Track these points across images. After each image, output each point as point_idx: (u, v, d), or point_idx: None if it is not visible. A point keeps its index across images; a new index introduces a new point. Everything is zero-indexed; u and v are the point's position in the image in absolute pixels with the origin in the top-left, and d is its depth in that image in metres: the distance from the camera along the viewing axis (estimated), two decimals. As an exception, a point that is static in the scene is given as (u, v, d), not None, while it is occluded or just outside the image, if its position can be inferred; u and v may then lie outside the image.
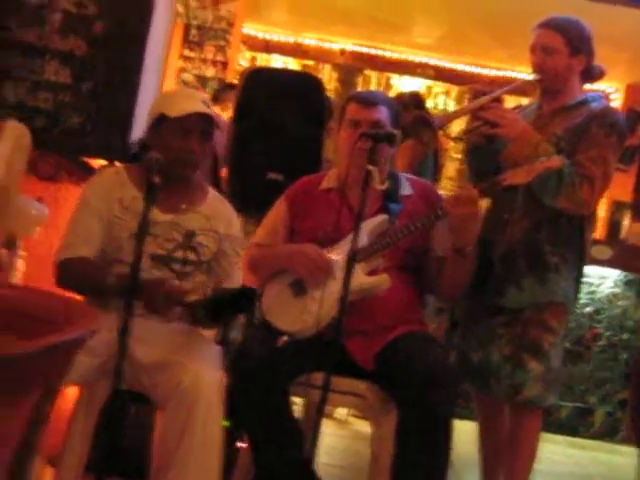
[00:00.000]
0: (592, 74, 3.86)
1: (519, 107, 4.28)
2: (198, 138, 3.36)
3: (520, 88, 3.92)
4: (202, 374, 3.12)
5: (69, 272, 3.33)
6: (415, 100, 5.87)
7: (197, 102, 3.38)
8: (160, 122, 3.35)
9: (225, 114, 5.55)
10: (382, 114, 3.54)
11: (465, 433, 3.88)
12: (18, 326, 1.67)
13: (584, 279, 3.93)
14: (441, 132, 3.90)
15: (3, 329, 1.70)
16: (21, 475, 1.60)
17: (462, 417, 4.08)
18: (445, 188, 9.44)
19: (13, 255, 3.85)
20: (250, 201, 4.20)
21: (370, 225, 3.42)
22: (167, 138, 3.32)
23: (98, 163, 4.53)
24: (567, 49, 3.74)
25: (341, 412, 5.81)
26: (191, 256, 3.42)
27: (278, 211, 3.74)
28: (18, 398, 1.44)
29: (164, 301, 3.16)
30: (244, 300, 3.21)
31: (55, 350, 1.42)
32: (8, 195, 3.49)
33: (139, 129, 3.84)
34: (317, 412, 3.11)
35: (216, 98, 5.77)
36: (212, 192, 3.58)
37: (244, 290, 3.28)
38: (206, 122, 3.38)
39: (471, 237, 3.41)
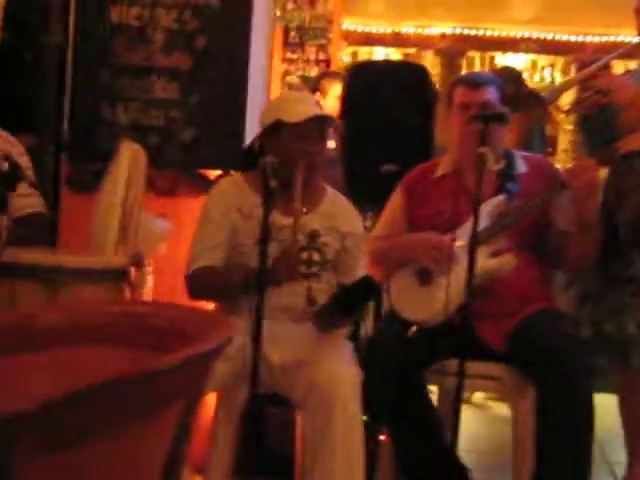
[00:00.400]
0: None
1: (628, 72, 4.20)
2: (317, 140, 3.40)
3: (627, 52, 3.84)
4: (338, 371, 3.14)
5: (200, 283, 3.41)
6: (513, 75, 5.78)
7: (312, 105, 3.46)
8: (277, 128, 3.39)
9: (325, 101, 5.54)
10: (490, 94, 3.52)
11: (606, 406, 3.83)
12: (153, 342, 1.71)
13: None
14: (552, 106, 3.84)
15: (139, 346, 1.74)
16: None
17: (602, 390, 4.02)
18: (561, 161, 9.29)
19: (142, 273, 3.93)
20: (366, 196, 4.20)
21: (489, 207, 3.39)
22: (286, 143, 3.36)
23: (214, 174, 4.59)
24: None
25: (478, 396, 5.79)
26: (316, 257, 3.44)
27: (395, 202, 3.74)
28: (161, 413, 1.47)
29: (287, 268, 3.20)
30: (368, 289, 3.23)
31: (193, 362, 1.45)
32: (132, 215, 3.57)
33: (250, 137, 3.87)
34: (455, 398, 3.11)
35: (315, 88, 5.77)
36: (330, 191, 3.61)
37: (365, 279, 3.30)
38: (323, 123, 3.43)
39: (594, 207, 3.36)
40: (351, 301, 3.22)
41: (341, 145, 4.46)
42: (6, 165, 3.11)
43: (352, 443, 3.16)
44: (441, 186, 3.61)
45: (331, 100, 5.51)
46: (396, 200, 3.73)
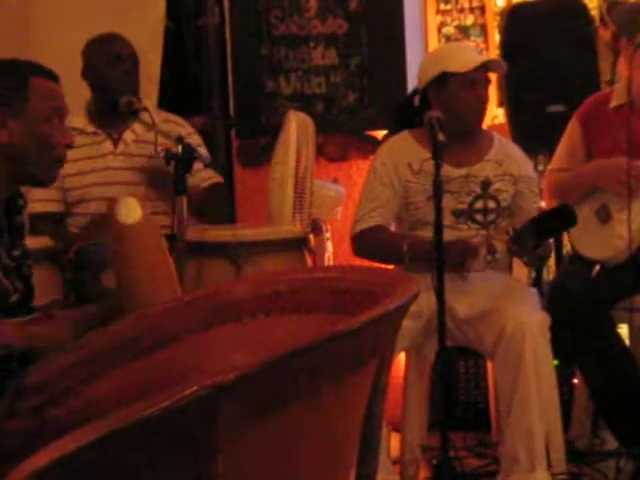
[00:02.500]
0: None
1: None
2: (484, 87, 3.40)
3: None
4: (524, 318, 3.13)
5: (365, 243, 3.44)
6: None
7: (475, 53, 3.46)
8: (442, 80, 3.37)
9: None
10: None
11: None
12: (343, 304, 1.74)
13: None
14: None
15: (330, 310, 1.77)
16: (371, 442, 1.66)
17: None
18: None
19: (321, 239, 3.98)
20: (535, 138, 4.15)
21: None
22: (455, 93, 3.35)
23: (381, 134, 4.60)
24: None
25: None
26: (491, 204, 3.42)
27: (573, 134, 3.65)
28: (355, 374, 1.50)
29: (460, 258, 3.21)
30: (564, 216, 3.17)
31: (382, 320, 1.47)
32: (305, 183, 3.62)
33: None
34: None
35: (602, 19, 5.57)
36: (497, 137, 3.59)
37: (562, 207, 3.23)
38: (487, 69, 3.41)
39: None
40: (546, 224, 3.14)
41: (504, 89, 4.40)
42: (180, 148, 3.20)
43: (545, 389, 3.15)
44: (617, 117, 3.50)
45: None
46: (573, 132, 3.64)
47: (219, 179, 3.81)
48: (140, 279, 2.34)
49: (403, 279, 1.64)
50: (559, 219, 3.17)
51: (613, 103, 3.57)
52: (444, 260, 2.99)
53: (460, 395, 4.09)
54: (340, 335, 1.39)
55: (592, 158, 3.53)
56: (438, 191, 2.99)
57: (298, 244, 3.53)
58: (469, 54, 3.43)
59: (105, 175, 3.64)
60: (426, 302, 3.04)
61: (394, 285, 1.60)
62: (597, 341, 3.25)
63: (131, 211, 2.33)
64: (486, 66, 3.39)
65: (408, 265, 3.28)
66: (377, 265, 3.34)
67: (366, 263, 3.49)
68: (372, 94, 4.74)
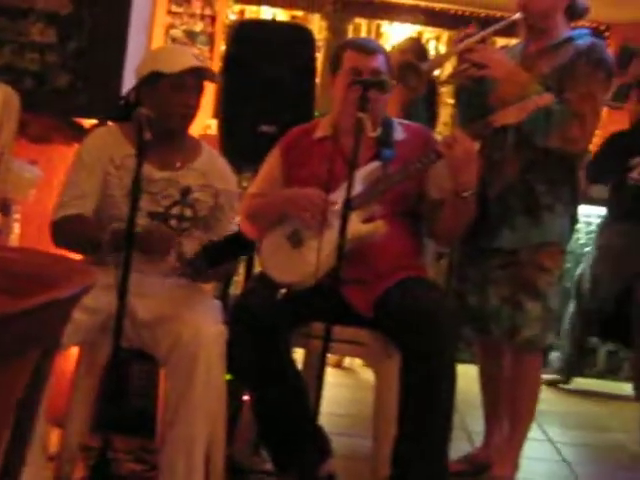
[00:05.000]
0: (576, 11, 3.82)
1: (505, 48, 4.25)
2: (194, 92, 3.38)
3: (507, 28, 3.86)
4: (203, 327, 3.13)
5: (65, 230, 3.35)
6: (417, 48, 5.74)
7: (191, 57, 3.43)
8: (154, 79, 3.34)
9: None
10: (380, 62, 3.52)
11: (468, 377, 3.90)
12: (14, 287, 1.67)
13: (583, 219, 3.92)
14: (432, 77, 3.85)
15: (3, 290, 1.69)
16: (25, 437, 1.60)
17: (465, 361, 4.09)
18: (441, 134, 9.39)
19: (9, 219, 3.85)
20: (243, 155, 4.18)
21: (364, 172, 3.40)
22: (164, 94, 3.32)
23: (89, 122, 4.51)
24: None
25: (350, 361, 5.83)
26: (188, 212, 3.41)
27: (273, 161, 3.71)
28: (15, 359, 1.44)
29: (160, 244, 3.21)
30: (238, 245, 3.24)
31: (49, 308, 1.41)
32: (1, 159, 3.48)
33: (128, 87, 3.81)
34: (320, 362, 3.12)
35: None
36: (207, 147, 3.59)
37: (236, 235, 3.30)
38: (201, 76, 3.40)
39: (471, 179, 3.38)
40: (219, 254, 3.21)
41: (220, 102, 4.41)
42: None
43: (213, 402, 3.17)
44: (319, 148, 3.59)
45: None
46: (274, 159, 3.71)
47: None
48: None
49: (80, 270, 1.60)
50: (234, 246, 3.24)
51: (317, 134, 3.65)
52: (132, 254, 2.96)
53: (131, 398, 4.03)
54: (3, 317, 1.32)
55: (290, 186, 3.59)
56: (136, 189, 2.94)
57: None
58: (183, 57, 3.41)
59: None
60: (105, 299, 2.99)
61: (70, 275, 1.55)
62: (271, 362, 3.29)
63: None
64: (200, 73, 3.39)
65: (96, 259, 3.22)
66: (64, 254, 3.25)
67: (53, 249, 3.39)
68: (86, 80, 4.63)
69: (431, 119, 5.81)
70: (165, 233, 3.27)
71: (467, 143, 3.33)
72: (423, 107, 5.72)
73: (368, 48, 3.56)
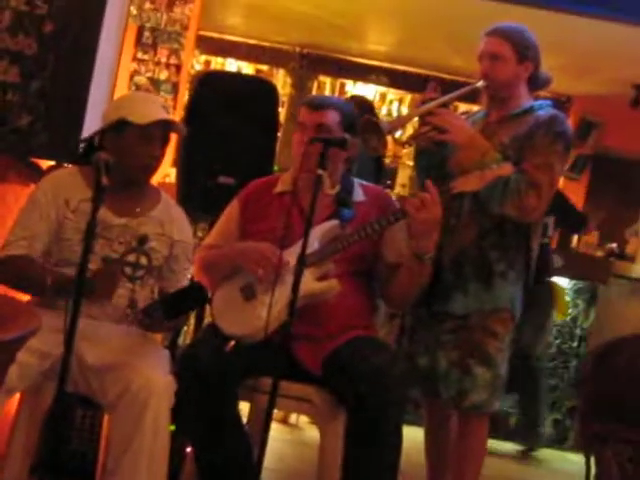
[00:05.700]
0: (539, 82, 3.87)
1: (467, 113, 4.28)
2: (160, 144, 3.40)
3: (469, 95, 3.90)
4: (153, 376, 3.11)
5: (8, 270, 3.33)
6: (364, 105, 5.78)
7: (160, 108, 3.43)
8: (121, 126, 3.34)
9: None
10: (328, 118, 3.52)
11: (413, 439, 3.88)
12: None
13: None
14: (391, 138, 3.87)
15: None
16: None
17: (411, 423, 4.08)
18: (398, 195, 9.45)
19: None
20: (200, 205, 4.18)
21: (321, 230, 3.41)
22: (130, 143, 3.33)
23: (47, 164, 4.49)
24: (514, 56, 3.75)
25: (297, 418, 5.79)
26: (143, 260, 3.40)
27: (231, 213, 3.71)
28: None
29: (105, 284, 3.19)
30: (195, 295, 3.24)
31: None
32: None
33: (89, 131, 3.80)
34: (265, 417, 3.09)
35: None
36: (165, 197, 3.59)
37: (193, 285, 3.30)
38: (168, 128, 3.42)
39: (432, 243, 3.39)
40: (176, 305, 3.20)
41: (180, 151, 4.41)
42: None
43: (157, 452, 3.13)
44: (278, 203, 3.59)
45: None
46: (231, 211, 3.71)
47: None
48: None
49: (27, 313, 1.58)
50: (189, 299, 3.24)
51: (278, 189, 3.66)
52: (82, 299, 2.92)
53: (72, 443, 3.98)
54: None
55: (247, 239, 3.58)
56: (89, 233, 2.91)
57: None
58: (152, 108, 3.40)
59: None
60: (55, 343, 2.94)
61: (16, 317, 1.53)
62: (217, 414, 3.26)
63: None
64: (168, 125, 3.40)
65: (46, 301, 3.20)
66: (8, 293, 3.23)
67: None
68: (47, 122, 4.60)
69: (377, 172, 5.83)
70: (110, 272, 3.24)
71: (435, 208, 3.33)
72: (372, 165, 5.74)
73: (314, 104, 3.59)
